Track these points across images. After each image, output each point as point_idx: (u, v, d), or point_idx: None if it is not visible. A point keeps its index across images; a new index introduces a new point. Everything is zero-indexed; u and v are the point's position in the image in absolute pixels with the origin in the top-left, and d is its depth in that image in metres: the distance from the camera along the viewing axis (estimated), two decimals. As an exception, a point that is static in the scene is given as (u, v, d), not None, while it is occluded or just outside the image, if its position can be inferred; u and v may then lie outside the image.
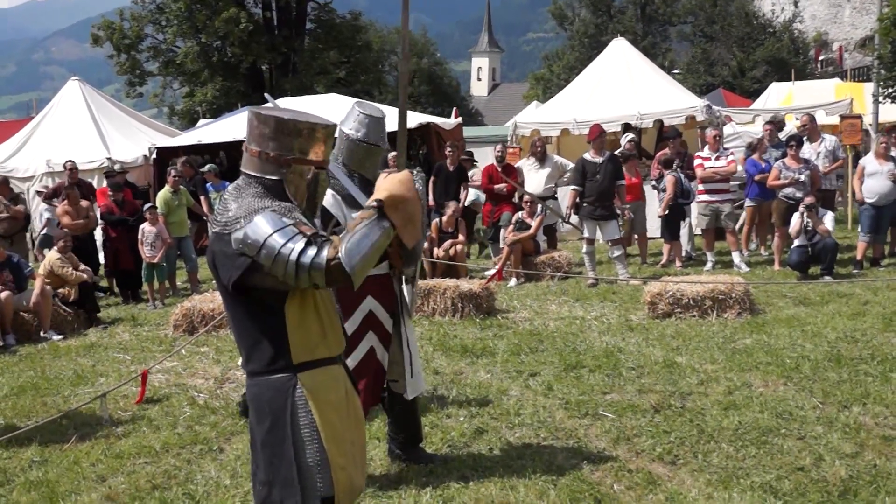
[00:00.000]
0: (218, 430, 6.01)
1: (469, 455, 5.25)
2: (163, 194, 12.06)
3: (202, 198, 13.21)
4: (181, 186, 12.22)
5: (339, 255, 2.83)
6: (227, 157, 15.63)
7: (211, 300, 9.42)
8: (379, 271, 4.74)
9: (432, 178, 13.04)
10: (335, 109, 15.42)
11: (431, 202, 12.68)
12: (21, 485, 5.20)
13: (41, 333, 9.76)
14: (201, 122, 23.79)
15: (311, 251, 2.84)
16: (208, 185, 13.31)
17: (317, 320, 3.08)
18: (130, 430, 6.17)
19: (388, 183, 3.01)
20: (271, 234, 2.85)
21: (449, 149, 13.31)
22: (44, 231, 13.22)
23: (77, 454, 5.69)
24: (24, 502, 4.96)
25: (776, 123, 13.03)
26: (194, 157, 14.74)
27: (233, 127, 15.63)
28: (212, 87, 34.49)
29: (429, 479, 4.89)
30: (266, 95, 5.77)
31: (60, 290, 10.28)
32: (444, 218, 11.90)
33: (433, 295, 9.52)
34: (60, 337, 9.71)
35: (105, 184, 12.76)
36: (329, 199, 4.66)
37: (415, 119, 15.55)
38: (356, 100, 5.33)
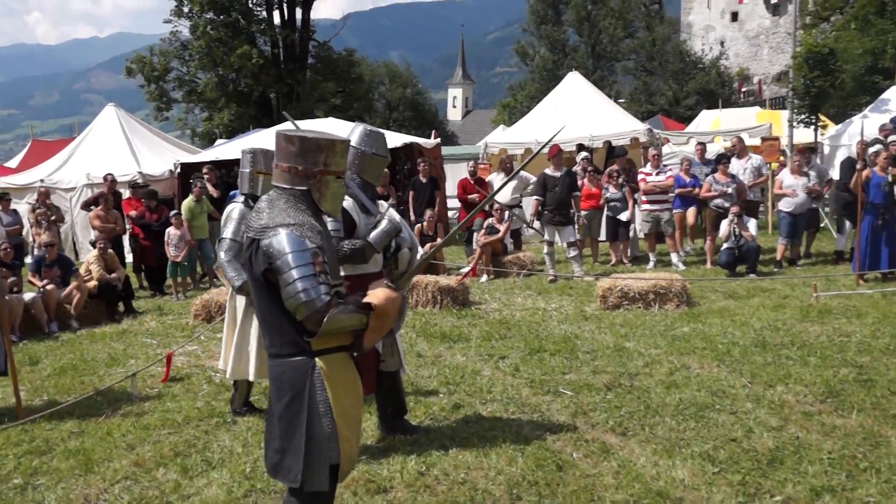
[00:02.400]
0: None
1: (448, 427, 5.15)
2: (187, 203, 11.96)
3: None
4: (203, 196, 12.11)
5: (328, 314, 2.86)
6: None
7: (227, 293, 9.25)
8: (374, 269, 4.73)
9: (411, 193, 13.07)
10: (333, 131, 15.28)
11: (412, 214, 12.69)
12: (61, 453, 5.11)
13: (71, 322, 9.64)
14: (218, 141, 23.53)
15: (321, 294, 2.87)
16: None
17: None
18: (156, 405, 6.08)
19: (383, 298, 3.00)
20: (290, 254, 2.87)
21: (421, 164, 13.31)
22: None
23: (110, 426, 5.59)
24: (63, 468, 4.86)
25: (704, 145, 13.02)
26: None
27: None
28: (227, 112, 34.37)
29: (413, 448, 4.80)
30: (285, 114, 5.89)
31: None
32: (425, 223, 11.85)
33: (416, 289, 9.40)
34: (77, 326, 9.58)
35: (129, 195, 12.71)
36: (349, 203, 4.63)
37: (400, 139, 15.45)
38: (355, 122, 5.24)
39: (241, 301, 5.47)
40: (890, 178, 9.44)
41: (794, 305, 8.44)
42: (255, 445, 5.00)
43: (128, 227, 12.54)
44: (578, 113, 15.48)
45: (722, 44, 52.13)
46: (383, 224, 4.65)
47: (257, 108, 34.80)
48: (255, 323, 5.32)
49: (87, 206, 13.25)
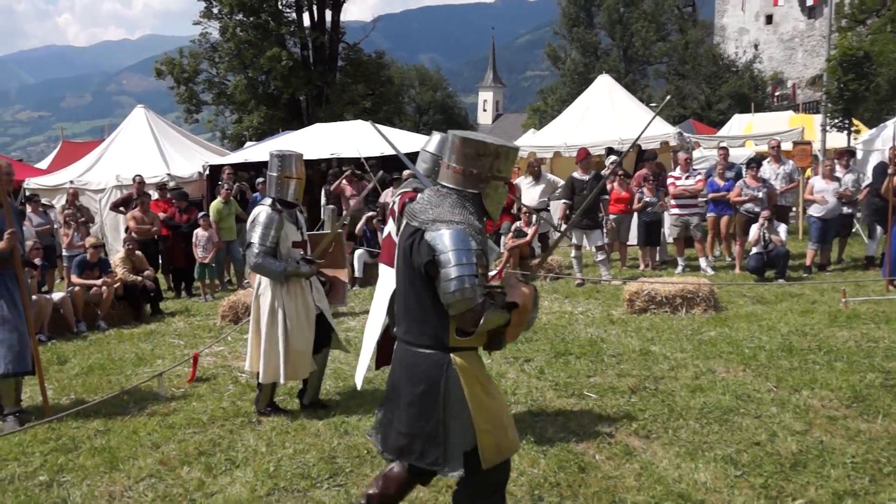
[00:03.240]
0: (257, 405, 6.01)
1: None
2: (215, 204, 12.13)
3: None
4: (231, 198, 12.28)
5: (485, 315, 2.95)
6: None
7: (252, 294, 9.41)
8: None
9: None
10: (362, 133, 15.46)
11: None
12: (87, 451, 5.20)
13: (99, 322, 9.83)
14: (248, 144, 23.82)
15: (477, 294, 2.95)
16: (257, 195, 13.29)
17: None
18: (182, 405, 6.17)
19: (524, 295, 3.09)
20: (454, 251, 2.95)
21: None
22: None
23: (135, 425, 5.69)
24: (89, 465, 4.94)
25: (726, 149, 12.90)
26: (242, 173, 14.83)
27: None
28: (257, 114, 34.69)
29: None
30: (372, 124, 6.24)
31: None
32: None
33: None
34: (105, 326, 9.76)
35: (157, 196, 12.90)
36: None
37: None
38: (440, 132, 5.25)
39: (265, 302, 5.50)
40: None
41: (822, 311, 8.39)
42: (278, 445, 5.09)
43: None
44: (608, 116, 15.47)
45: (756, 47, 51.63)
46: None
47: (286, 111, 35.11)
48: (281, 324, 5.42)
49: (116, 207, 13.47)
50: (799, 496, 4.00)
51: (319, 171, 16.34)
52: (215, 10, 34.72)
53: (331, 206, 12.26)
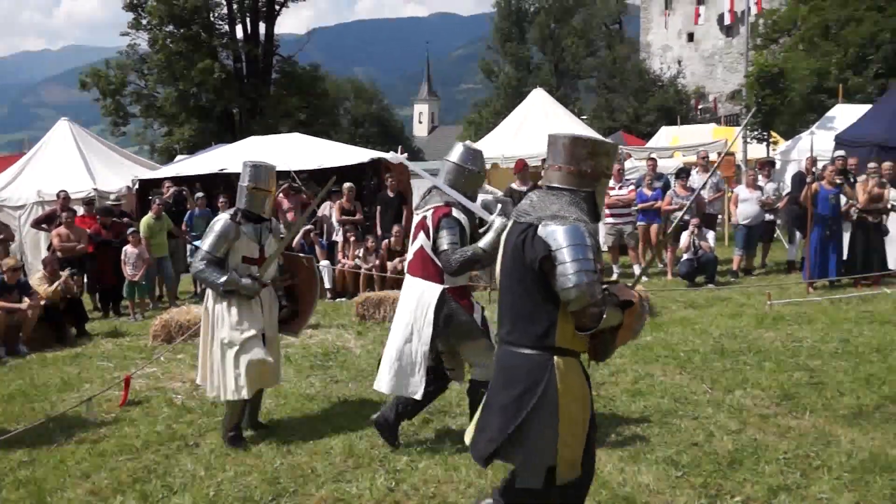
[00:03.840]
0: (194, 428, 5.76)
1: (417, 442, 5.17)
2: (146, 220, 11.73)
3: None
4: (162, 213, 11.93)
5: (604, 313, 2.90)
6: (201, 188, 15.26)
7: (187, 312, 9.10)
8: (462, 282, 4.87)
9: (378, 208, 13.08)
10: (298, 147, 15.29)
11: (379, 229, 12.70)
12: (10, 483, 4.85)
13: (19, 346, 9.09)
14: (179, 157, 23.27)
15: (597, 289, 2.90)
16: (194, 210, 12.97)
17: None
18: (113, 431, 5.82)
19: (637, 297, 3.05)
20: (572, 246, 2.90)
21: (388, 179, 13.37)
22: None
23: (63, 454, 5.33)
24: (13, 499, 4.62)
25: (655, 160, 13.27)
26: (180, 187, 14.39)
27: (208, 162, 15.35)
28: (188, 127, 33.95)
29: (382, 464, 4.81)
30: (398, 153, 6.05)
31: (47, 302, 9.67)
32: (392, 238, 11.90)
33: (384, 304, 9.43)
34: (26, 350, 9.04)
35: (83, 212, 12.32)
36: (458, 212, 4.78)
37: (367, 155, 15.53)
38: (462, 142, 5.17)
39: (210, 315, 5.28)
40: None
41: (749, 313, 8.68)
42: (218, 468, 4.90)
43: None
44: (543, 128, 15.68)
45: (679, 63, 53.22)
46: (496, 225, 4.62)
47: (219, 124, 34.53)
48: (228, 336, 5.19)
49: (38, 224, 12.80)
50: (737, 493, 4.10)
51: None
52: (144, 21, 33.93)
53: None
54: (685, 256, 10.81)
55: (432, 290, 4.74)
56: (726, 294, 9.96)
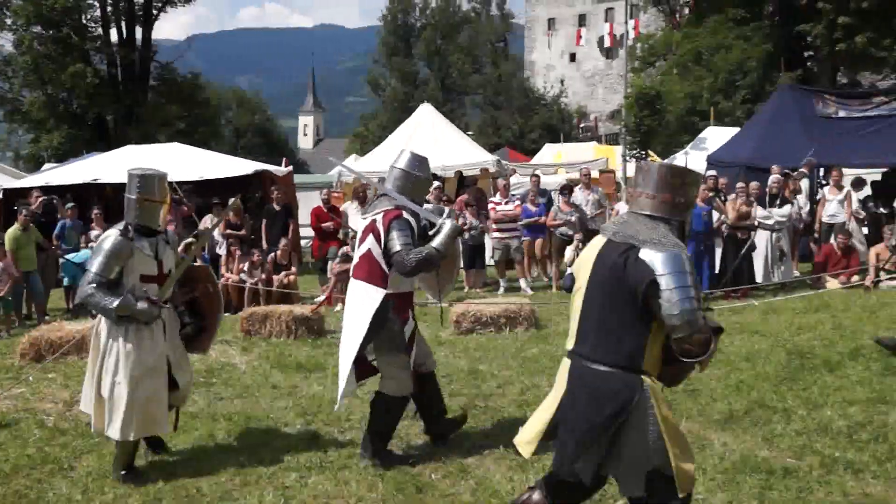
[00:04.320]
0: (69, 450, 5.44)
1: (306, 457, 5.09)
2: (12, 232, 11.00)
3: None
4: (30, 224, 11.24)
5: (712, 341, 3.08)
6: (73, 198, 14.51)
7: (58, 329, 8.60)
8: (408, 288, 5.03)
9: (264, 221, 12.85)
10: (178, 157, 14.80)
11: (265, 243, 12.46)
12: None
13: None
14: (47, 165, 22.01)
15: (699, 317, 3.01)
16: (65, 221, 12.28)
17: (662, 342, 3.16)
18: None
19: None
20: (676, 273, 2.99)
21: (274, 191, 13.17)
22: None
23: None
24: None
25: (538, 177, 13.69)
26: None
27: (80, 171, 14.62)
28: (58, 134, 32.13)
29: (271, 480, 4.73)
30: (342, 164, 5.85)
31: None
32: (279, 252, 11.70)
33: (269, 319, 9.24)
34: None
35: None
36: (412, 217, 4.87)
37: (251, 167, 15.21)
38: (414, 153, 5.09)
39: (101, 341, 4.80)
40: None
41: None
42: (96, 491, 4.67)
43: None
44: (430, 143, 15.86)
45: (562, 82, 55.24)
46: (446, 228, 4.80)
47: (92, 131, 32.90)
48: (122, 369, 4.71)
49: None
50: (620, 497, 4.26)
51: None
52: (9, 21, 31.95)
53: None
54: (569, 270, 11.14)
55: (375, 293, 4.78)
56: (608, 306, 10.34)
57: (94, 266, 4.75)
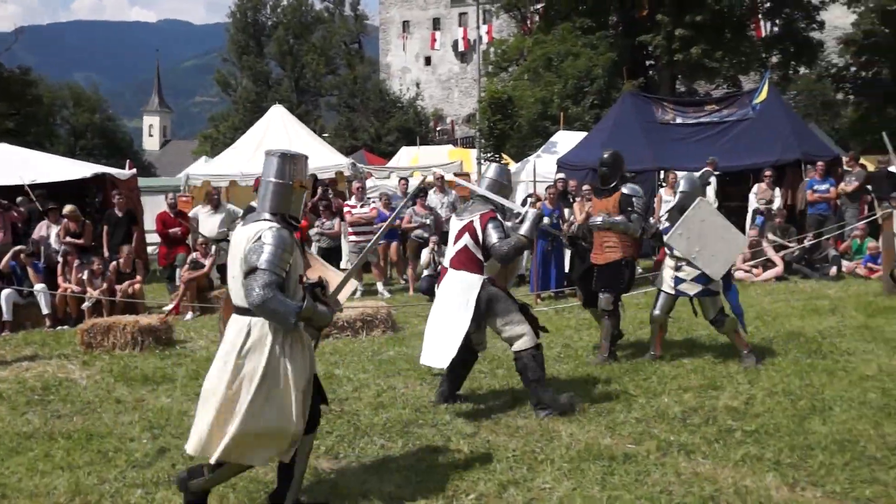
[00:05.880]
0: None
1: (153, 473, 4.94)
2: None
3: None
4: None
5: None
6: None
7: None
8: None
9: (105, 227, 12.28)
10: (5, 159, 13.85)
11: (107, 250, 11.90)
12: None
13: None
14: None
15: None
16: None
17: None
18: None
19: None
20: None
21: (116, 196, 12.61)
22: None
23: None
24: None
25: (406, 180, 13.96)
26: None
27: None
28: None
29: (115, 497, 4.56)
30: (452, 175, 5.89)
31: None
32: (121, 260, 11.19)
33: (114, 330, 8.82)
34: None
35: None
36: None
37: (91, 169, 14.43)
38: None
39: (259, 362, 3.92)
40: None
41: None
42: None
43: None
44: (283, 145, 15.65)
45: (418, 85, 55.88)
46: (529, 216, 5.76)
47: None
48: (282, 388, 3.93)
49: None
50: (471, 492, 4.46)
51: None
52: None
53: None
54: (426, 273, 11.39)
55: (475, 280, 5.79)
56: (463, 307, 10.62)
57: (265, 262, 3.84)
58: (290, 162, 4.11)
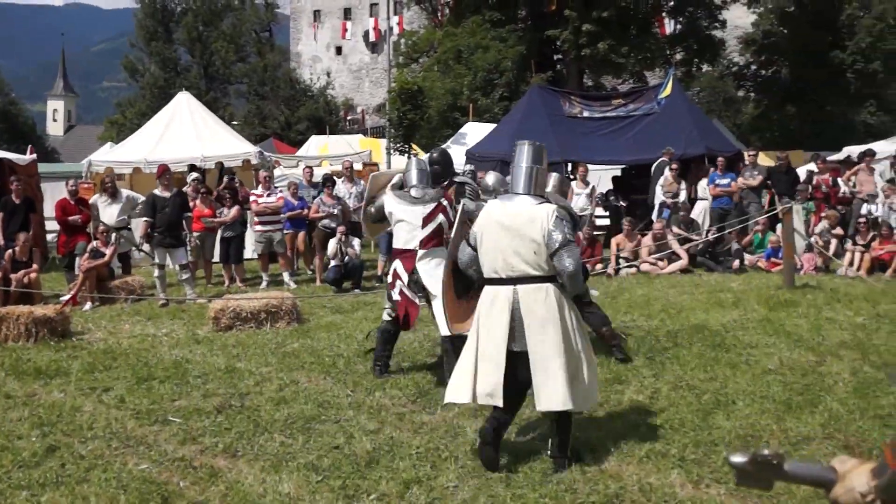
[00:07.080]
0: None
1: (40, 473, 4.54)
2: None
3: None
4: None
5: None
6: None
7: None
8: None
9: (1, 216, 11.46)
10: None
11: (2, 238, 11.09)
12: None
13: None
14: None
15: None
16: None
17: None
18: None
19: None
20: None
21: (14, 182, 11.81)
22: None
23: None
24: None
25: (311, 169, 13.53)
26: None
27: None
28: None
29: (-6, 502, 4.16)
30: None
31: None
32: (17, 248, 10.44)
33: (6, 322, 8.17)
34: None
35: None
36: None
37: (-15, 154, 13.44)
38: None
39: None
40: None
41: (373, 317, 8.82)
42: None
43: None
44: (189, 133, 14.99)
45: (328, 74, 54.91)
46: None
47: None
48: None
49: None
50: (373, 491, 4.24)
51: None
52: None
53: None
54: (332, 263, 11.07)
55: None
56: (371, 299, 10.29)
57: (574, 236, 4.43)
58: (539, 148, 4.64)
